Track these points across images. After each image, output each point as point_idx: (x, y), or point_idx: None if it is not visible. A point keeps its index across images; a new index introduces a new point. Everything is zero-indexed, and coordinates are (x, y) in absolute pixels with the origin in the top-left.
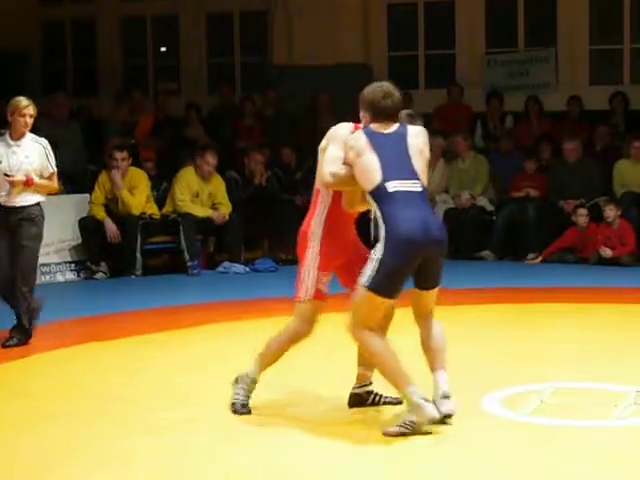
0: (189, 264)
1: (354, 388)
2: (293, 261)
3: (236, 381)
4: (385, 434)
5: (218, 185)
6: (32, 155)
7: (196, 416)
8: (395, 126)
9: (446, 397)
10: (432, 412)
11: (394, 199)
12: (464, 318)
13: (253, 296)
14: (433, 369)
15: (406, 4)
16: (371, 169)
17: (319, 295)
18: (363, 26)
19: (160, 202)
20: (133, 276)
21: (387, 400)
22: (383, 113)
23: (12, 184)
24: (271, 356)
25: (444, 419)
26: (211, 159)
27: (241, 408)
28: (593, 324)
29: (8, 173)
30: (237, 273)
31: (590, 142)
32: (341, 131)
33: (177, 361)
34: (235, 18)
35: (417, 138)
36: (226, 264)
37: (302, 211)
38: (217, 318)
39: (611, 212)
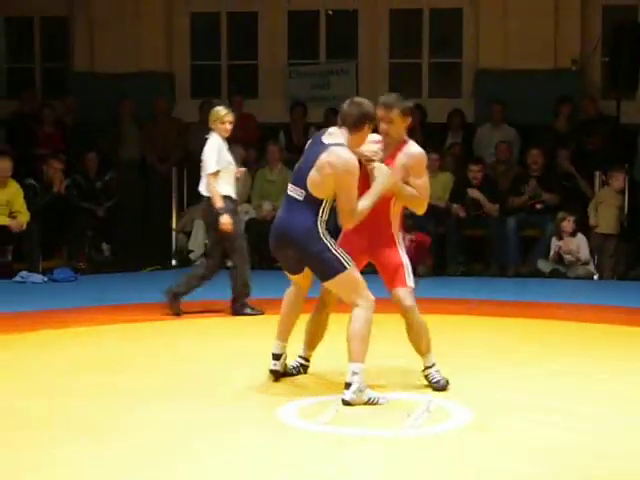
0: None
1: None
2: (92, 270)
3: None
4: None
5: (16, 193)
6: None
7: None
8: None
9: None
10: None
11: None
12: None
13: (50, 306)
14: None
15: (209, 13)
16: None
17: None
18: (166, 34)
19: None
20: None
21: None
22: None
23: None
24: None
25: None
26: (6, 165)
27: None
28: (390, 335)
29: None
30: (35, 283)
31: None
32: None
33: None
34: (36, 22)
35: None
36: (23, 273)
37: (102, 219)
38: (9, 329)
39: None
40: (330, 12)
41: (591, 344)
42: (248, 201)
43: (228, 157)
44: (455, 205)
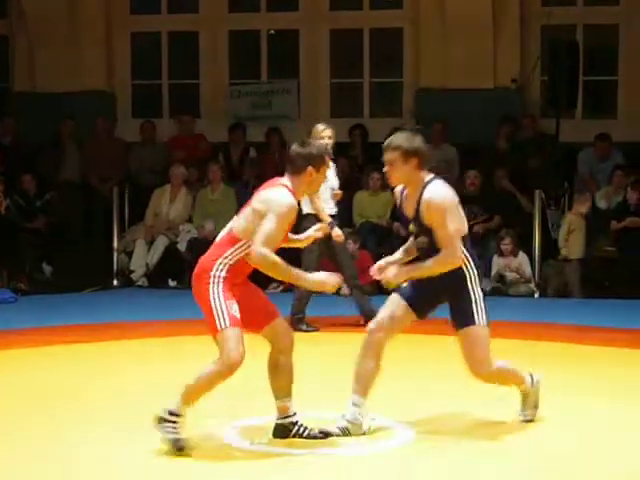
0: None
1: (278, 419)
2: (32, 291)
3: (159, 421)
4: None
5: None
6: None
7: None
8: None
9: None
10: None
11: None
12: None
13: None
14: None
15: (150, 33)
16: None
17: (235, 321)
18: (106, 54)
19: None
20: None
21: (312, 434)
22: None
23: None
24: (199, 391)
25: None
26: None
27: (178, 442)
28: (338, 353)
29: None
30: None
31: None
32: (286, 203)
33: None
34: None
35: None
36: None
37: (43, 240)
38: None
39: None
40: (272, 32)
41: (536, 361)
42: (189, 220)
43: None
44: (397, 223)
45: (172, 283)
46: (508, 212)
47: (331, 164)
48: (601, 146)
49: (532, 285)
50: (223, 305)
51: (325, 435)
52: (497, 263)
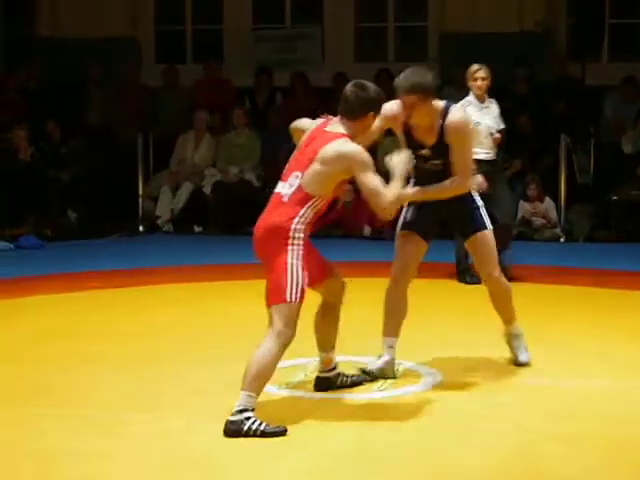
0: None
1: (321, 372)
2: (58, 237)
3: (241, 423)
4: None
5: None
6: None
7: None
8: None
9: None
10: None
11: None
12: (244, 295)
13: (17, 274)
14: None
15: None
16: None
17: (303, 297)
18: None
19: None
20: None
21: (356, 380)
22: None
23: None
24: (267, 374)
25: None
26: None
27: (276, 429)
28: (362, 299)
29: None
30: (1, 250)
31: None
32: (363, 152)
33: None
34: None
35: None
36: None
37: (68, 186)
38: None
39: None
40: None
41: (558, 306)
42: (213, 165)
43: (475, 118)
44: None
45: (197, 229)
46: (532, 157)
47: (492, 105)
48: (627, 90)
49: (558, 230)
50: (300, 275)
51: (366, 374)
52: (523, 208)
